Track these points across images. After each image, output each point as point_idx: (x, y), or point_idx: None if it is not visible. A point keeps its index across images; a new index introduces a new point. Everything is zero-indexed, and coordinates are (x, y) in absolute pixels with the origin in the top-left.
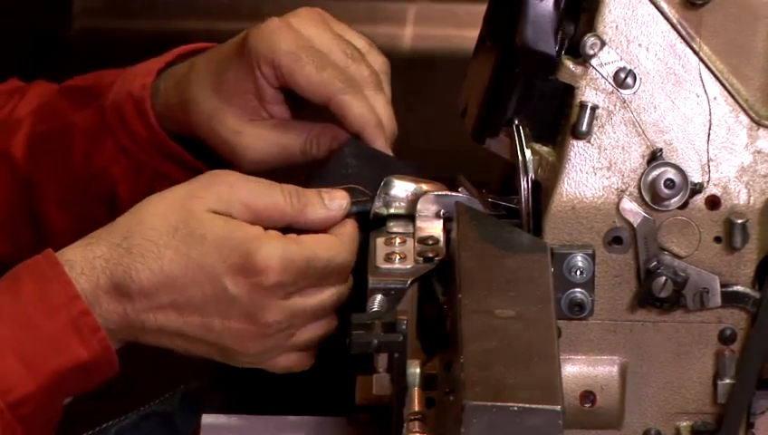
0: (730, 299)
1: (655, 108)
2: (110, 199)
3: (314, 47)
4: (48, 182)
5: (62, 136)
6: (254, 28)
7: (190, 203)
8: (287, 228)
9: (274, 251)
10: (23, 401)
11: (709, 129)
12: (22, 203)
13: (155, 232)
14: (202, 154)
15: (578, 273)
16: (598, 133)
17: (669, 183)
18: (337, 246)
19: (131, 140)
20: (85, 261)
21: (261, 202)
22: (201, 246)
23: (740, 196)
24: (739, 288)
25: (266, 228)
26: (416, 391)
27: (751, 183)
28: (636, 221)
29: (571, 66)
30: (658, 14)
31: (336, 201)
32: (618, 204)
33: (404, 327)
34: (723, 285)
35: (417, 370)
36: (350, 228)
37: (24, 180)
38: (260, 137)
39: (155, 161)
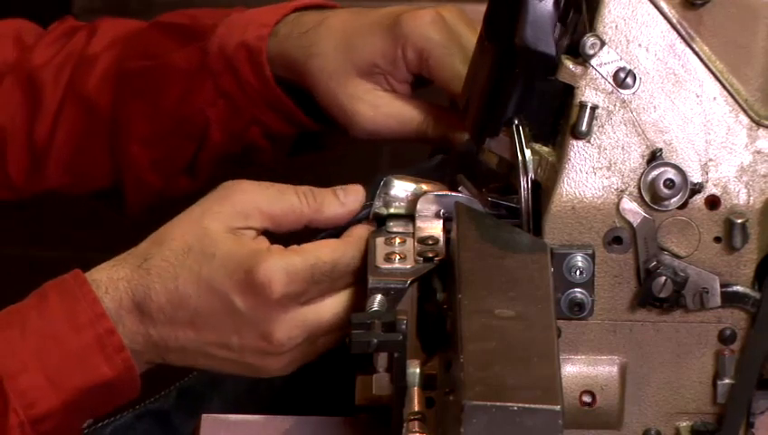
0: (730, 299)
1: (654, 108)
2: (201, 138)
3: (463, 45)
4: (135, 120)
5: (157, 73)
6: (408, 12)
7: (206, 220)
8: (307, 232)
9: (276, 264)
10: (45, 416)
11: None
12: (95, 139)
13: (172, 252)
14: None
15: (578, 273)
16: (597, 133)
17: (669, 183)
18: (341, 247)
19: (238, 87)
20: (110, 281)
21: (277, 207)
22: (210, 263)
23: (740, 196)
24: (739, 288)
25: (287, 232)
26: (416, 391)
27: (751, 183)
28: (636, 221)
29: (571, 66)
30: (658, 13)
31: (351, 196)
32: (617, 204)
33: (404, 327)
34: (723, 285)
35: (417, 370)
36: (357, 229)
37: (103, 117)
38: (378, 107)
39: (257, 109)
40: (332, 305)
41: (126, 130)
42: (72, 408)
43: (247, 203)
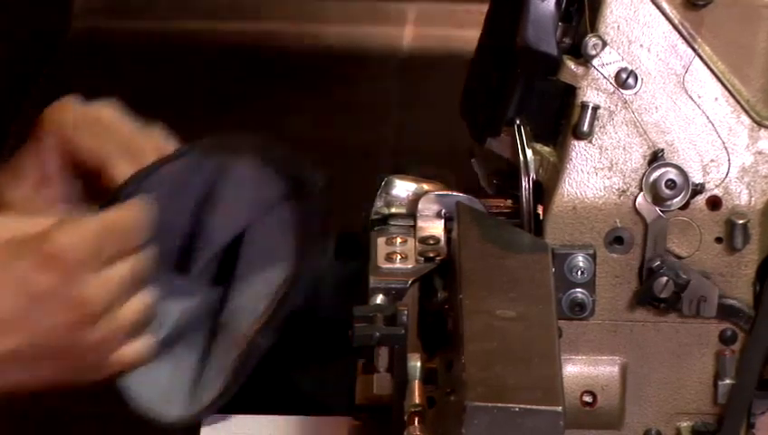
0: (725, 312)
1: (656, 108)
2: None
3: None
4: None
5: None
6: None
7: None
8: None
9: (65, 230)
10: None
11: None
12: None
13: None
14: None
15: (579, 273)
16: (599, 133)
17: (670, 183)
18: (127, 207)
19: None
20: None
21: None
22: None
23: (741, 196)
24: (735, 303)
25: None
26: (416, 384)
27: (752, 184)
28: (650, 218)
29: (573, 66)
30: (660, 14)
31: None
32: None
33: (404, 319)
34: (720, 297)
35: (418, 363)
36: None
37: None
38: None
39: None
40: (126, 268)
41: None
42: None
43: None
